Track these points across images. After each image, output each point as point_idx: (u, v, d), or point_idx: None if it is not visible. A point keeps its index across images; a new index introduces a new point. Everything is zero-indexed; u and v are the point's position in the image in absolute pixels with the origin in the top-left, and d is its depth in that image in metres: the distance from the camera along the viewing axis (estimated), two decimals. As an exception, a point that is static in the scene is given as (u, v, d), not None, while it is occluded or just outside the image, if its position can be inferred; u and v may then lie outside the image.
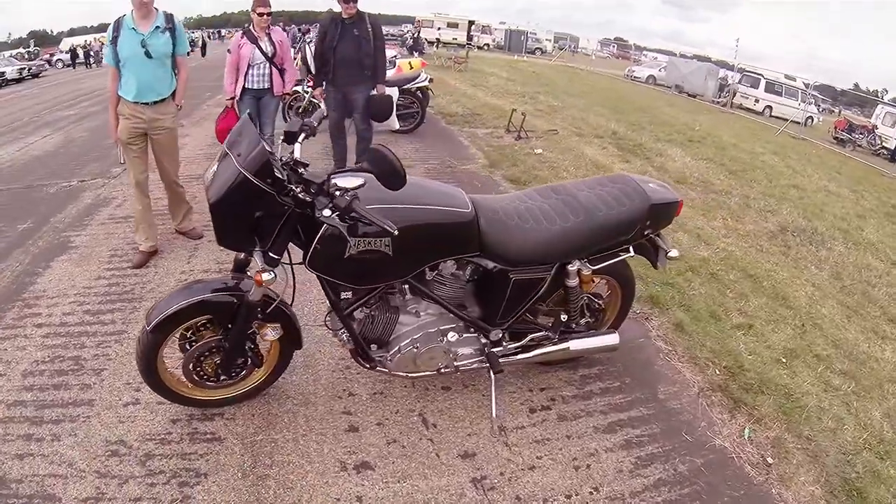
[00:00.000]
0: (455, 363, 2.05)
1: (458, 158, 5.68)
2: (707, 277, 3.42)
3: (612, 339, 2.24)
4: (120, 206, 4.32)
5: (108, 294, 2.87)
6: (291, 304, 1.94)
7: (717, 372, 2.50)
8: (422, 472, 1.90)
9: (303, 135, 1.74)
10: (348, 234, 1.52)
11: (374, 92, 4.50)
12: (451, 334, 1.99)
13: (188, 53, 3.44)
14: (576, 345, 2.18)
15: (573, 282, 2.04)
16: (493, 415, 2.12)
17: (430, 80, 6.57)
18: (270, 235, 1.63)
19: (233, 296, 1.78)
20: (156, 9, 3.04)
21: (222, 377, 1.92)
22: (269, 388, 2.19)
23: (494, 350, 2.07)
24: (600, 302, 2.33)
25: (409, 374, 2.04)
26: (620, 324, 2.47)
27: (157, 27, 3.00)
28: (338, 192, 1.49)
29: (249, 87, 4.30)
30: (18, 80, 19.80)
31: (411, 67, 7.61)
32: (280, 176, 1.56)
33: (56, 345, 2.42)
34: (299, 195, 1.56)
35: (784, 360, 2.62)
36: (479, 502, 1.80)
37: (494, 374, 2.02)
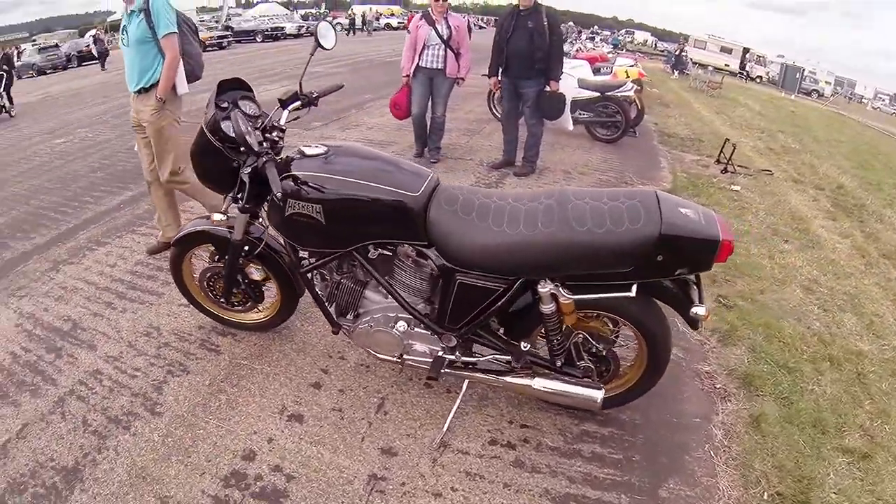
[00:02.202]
0: (405, 355, 1.98)
1: (641, 177, 5.19)
2: (849, 376, 2.39)
3: (589, 393, 1.80)
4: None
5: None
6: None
7: (765, 496, 1.75)
8: (336, 445, 1.91)
9: (297, 102, 1.93)
10: (249, 192, 1.66)
11: (548, 88, 4.48)
12: (400, 324, 1.91)
13: (195, 41, 3.05)
14: (540, 384, 1.83)
15: (547, 307, 1.71)
16: (445, 427, 1.98)
17: (637, 91, 6.11)
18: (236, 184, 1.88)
19: (230, 232, 2.10)
20: None
21: (222, 301, 2.28)
22: (282, 327, 2.48)
23: (444, 356, 1.91)
24: (601, 347, 1.88)
25: (370, 352, 2.04)
26: (642, 392, 1.98)
27: (133, 11, 2.77)
28: (266, 154, 1.65)
29: (423, 66, 4.71)
30: (296, 36, 24.50)
31: (627, 76, 7.16)
32: (232, 135, 1.78)
33: (169, 249, 3.22)
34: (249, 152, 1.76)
35: (888, 523, 1.67)
36: (359, 497, 1.72)
37: (428, 378, 1.88)
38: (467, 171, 5.11)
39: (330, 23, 2.11)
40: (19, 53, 21.91)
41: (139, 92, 2.84)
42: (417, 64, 4.72)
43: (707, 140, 7.24)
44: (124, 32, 2.81)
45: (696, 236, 1.54)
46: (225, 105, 1.84)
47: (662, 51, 24.93)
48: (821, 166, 6.94)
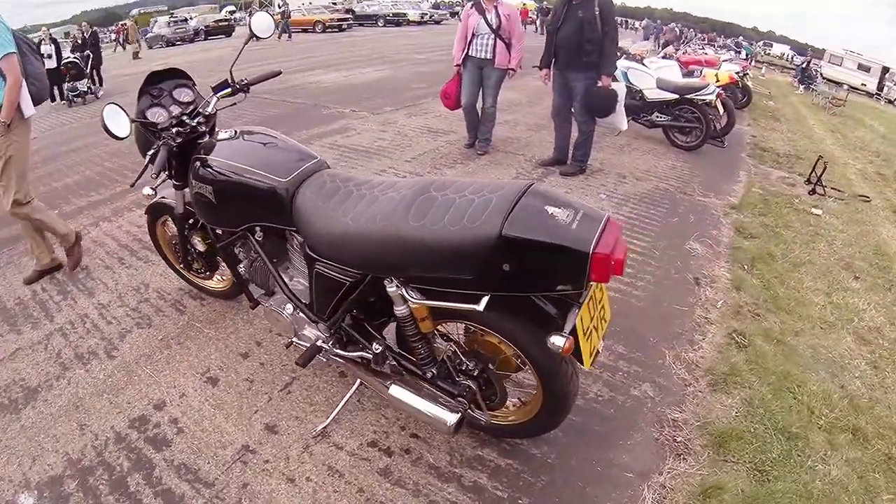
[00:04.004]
0: (294, 339, 2.11)
1: (707, 189, 4.67)
2: (874, 458, 1.93)
3: (441, 414, 1.71)
4: (349, 137, 5.83)
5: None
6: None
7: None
8: (230, 412, 2.14)
9: (228, 90, 2.16)
10: (153, 167, 1.91)
11: (601, 83, 4.32)
12: (288, 307, 2.06)
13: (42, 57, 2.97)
14: (395, 392, 1.81)
15: (399, 309, 1.68)
16: (329, 418, 2.10)
17: (718, 96, 5.59)
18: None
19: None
20: None
21: (182, 266, 2.67)
22: (243, 297, 2.73)
23: (319, 345, 1.98)
24: (471, 365, 1.76)
25: (280, 332, 2.22)
26: (544, 429, 1.88)
27: None
28: (162, 139, 1.94)
29: (472, 55, 4.81)
30: (418, 23, 25.92)
31: (717, 80, 6.75)
32: (153, 120, 2.08)
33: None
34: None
35: None
36: (224, 463, 1.93)
37: (296, 363, 1.99)
38: (511, 165, 5.05)
39: (268, 12, 2.28)
40: (126, 30, 25.19)
41: None
42: (467, 53, 4.81)
43: (807, 158, 6.23)
44: None
45: (551, 243, 1.35)
46: (156, 93, 2.16)
47: (798, 64, 22.51)
48: (937, 199, 5.49)
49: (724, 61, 9.25)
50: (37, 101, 2.93)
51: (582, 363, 1.56)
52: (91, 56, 10.51)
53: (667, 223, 3.85)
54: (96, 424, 2.12)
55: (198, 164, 1.98)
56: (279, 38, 21.28)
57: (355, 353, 1.96)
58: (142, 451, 2.00)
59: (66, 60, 9.98)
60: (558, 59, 4.43)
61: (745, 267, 3.19)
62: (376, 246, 1.58)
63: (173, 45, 23.39)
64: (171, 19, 26.12)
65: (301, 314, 2.04)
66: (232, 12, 36.62)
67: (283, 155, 1.93)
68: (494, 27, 4.60)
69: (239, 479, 1.88)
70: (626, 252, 1.40)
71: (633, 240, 3.52)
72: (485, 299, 1.48)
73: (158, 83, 2.22)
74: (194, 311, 2.77)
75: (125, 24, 25.23)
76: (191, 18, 27.14)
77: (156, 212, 2.61)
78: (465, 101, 5.03)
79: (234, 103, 2.27)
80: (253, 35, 2.17)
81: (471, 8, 4.80)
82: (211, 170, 1.93)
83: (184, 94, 2.24)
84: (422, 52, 14.41)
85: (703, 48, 14.50)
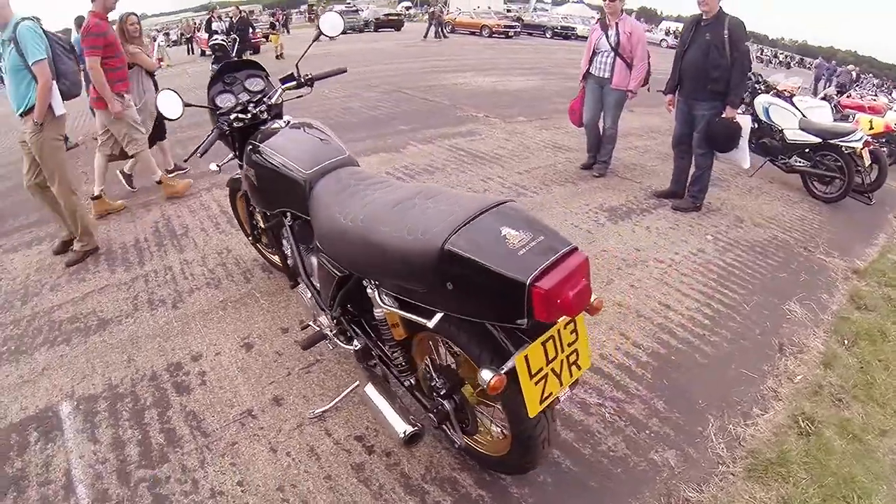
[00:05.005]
0: (311, 323, 2.22)
1: (833, 247, 3.98)
2: None
3: (398, 424, 1.67)
4: (472, 141, 6.02)
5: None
6: None
7: None
8: (250, 377, 2.34)
9: (293, 82, 2.36)
10: (203, 146, 2.14)
11: (725, 114, 3.98)
12: (308, 294, 2.18)
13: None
14: (369, 391, 1.81)
15: (377, 312, 1.68)
16: (330, 404, 2.19)
17: (866, 144, 4.72)
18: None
19: None
20: (23, 18, 2.97)
21: (250, 239, 2.95)
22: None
23: (325, 331, 2.08)
24: (440, 382, 1.71)
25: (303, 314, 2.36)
26: (508, 471, 1.81)
27: (4, 40, 2.99)
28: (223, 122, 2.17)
29: (592, 72, 4.73)
30: (587, 38, 25.91)
31: (871, 127, 5.72)
32: (219, 105, 2.33)
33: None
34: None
35: None
36: (226, 420, 2.11)
37: (296, 342, 2.08)
38: (623, 191, 4.79)
39: (340, 14, 2.45)
40: (286, 17, 27.98)
41: (23, 115, 3.12)
42: (588, 70, 4.74)
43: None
44: (1, 59, 3.08)
45: (485, 265, 1.25)
46: (229, 81, 2.43)
47: None
48: None
49: (892, 110, 7.85)
50: (68, 98, 3.27)
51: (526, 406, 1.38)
52: (238, 40, 10.67)
53: (771, 278, 3.35)
54: (141, 361, 2.46)
55: (249, 147, 2.20)
56: (431, 37, 21.78)
57: (349, 347, 2.03)
58: (166, 392, 2.27)
59: (213, 42, 10.23)
60: (683, 85, 4.14)
61: (846, 342, 2.65)
62: (355, 245, 1.61)
63: (343, 32, 25.70)
64: (345, 8, 28.06)
65: (315, 300, 2.15)
66: (408, 8, 39.16)
67: (314, 148, 2.05)
68: (614, 45, 4.44)
69: (231, 437, 2.04)
70: (587, 291, 1.24)
71: (723, 290, 3.13)
72: (437, 317, 1.43)
73: (234, 72, 2.49)
74: (259, 282, 3.06)
75: (290, 11, 28.77)
76: (363, 10, 28.93)
77: (235, 185, 2.94)
78: (587, 118, 4.95)
79: (300, 96, 2.48)
80: (321, 33, 2.34)
81: (596, 23, 4.70)
82: (256, 155, 2.12)
83: (255, 84, 2.49)
84: (579, 68, 14.21)
85: (877, 94, 12.31)
